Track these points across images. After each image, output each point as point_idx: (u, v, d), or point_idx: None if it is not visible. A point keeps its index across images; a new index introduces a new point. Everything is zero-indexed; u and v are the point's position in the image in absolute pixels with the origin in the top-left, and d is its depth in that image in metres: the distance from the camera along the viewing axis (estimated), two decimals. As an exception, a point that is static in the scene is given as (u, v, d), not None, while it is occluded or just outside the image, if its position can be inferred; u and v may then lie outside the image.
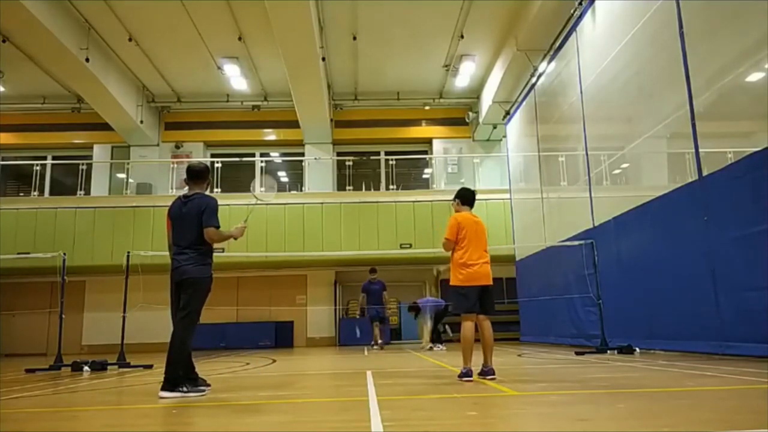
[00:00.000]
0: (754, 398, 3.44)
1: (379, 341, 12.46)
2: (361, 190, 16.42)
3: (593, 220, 9.66)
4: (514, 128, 14.71)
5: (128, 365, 8.13)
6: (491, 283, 5.02)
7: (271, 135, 18.34)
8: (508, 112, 15.27)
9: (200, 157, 17.65)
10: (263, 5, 11.16)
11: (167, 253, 4.88)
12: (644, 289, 7.88)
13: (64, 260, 8.91)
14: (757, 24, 5.62)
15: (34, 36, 12.40)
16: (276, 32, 12.05)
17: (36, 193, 16.15)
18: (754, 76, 6.00)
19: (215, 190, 15.20)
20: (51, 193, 17.29)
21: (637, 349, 7.83)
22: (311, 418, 3.36)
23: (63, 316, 8.51)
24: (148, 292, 9.81)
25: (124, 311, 8.55)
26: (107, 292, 14.40)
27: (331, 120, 17.33)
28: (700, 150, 6.51)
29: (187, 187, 4.93)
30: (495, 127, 16.95)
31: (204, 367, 6.52)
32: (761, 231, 5.47)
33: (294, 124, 17.11)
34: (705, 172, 6.43)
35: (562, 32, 11.15)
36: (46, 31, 12.04)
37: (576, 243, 9.66)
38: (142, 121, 16.76)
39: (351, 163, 16.73)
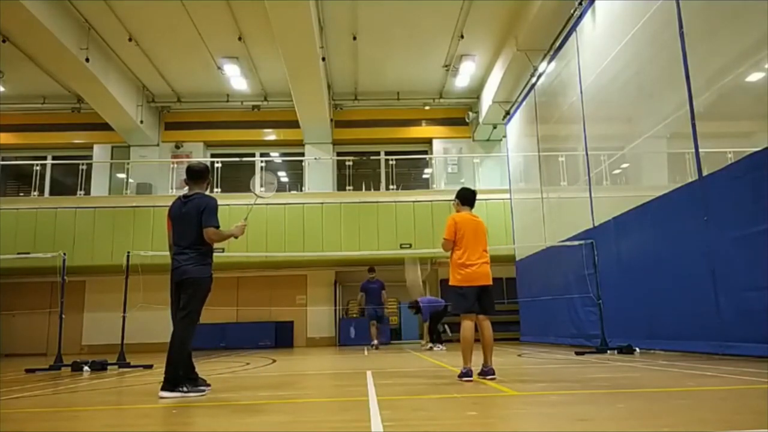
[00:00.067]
0: (754, 398, 3.44)
1: (374, 341, 12.48)
2: (361, 190, 16.42)
3: (593, 220, 9.66)
4: (514, 128, 14.71)
5: (128, 365, 8.13)
6: (491, 283, 5.02)
7: (271, 135, 18.34)
8: (508, 112, 15.27)
9: (200, 157, 17.65)
10: (263, 5, 11.16)
11: (167, 253, 4.88)
12: (644, 289, 7.88)
13: (64, 260, 8.91)
14: (757, 24, 5.62)
15: (34, 36, 12.40)
16: (276, 32, 12.05)
17: (36, 193, 16.15)
18: (754, 76, 6.00)
19: (215, 190, 15.20)
20: (51, 193, 17.28)
21: (637, 349, 7.83)
22: (311, 418, 3.36)
23: (63, 316, 8.51)
24: (148, 292, 9.82)
25: (124, 311, 8.55)
26: (107, 292, 14.41)
27: (331, 120, 17.33)
28: (700, 150, 6.51)
29: (187, 187, 4.94)
30: (495, 127, 16.95)
31: (204, 367, 6.52)
32: (761, 231, 5.47)
33: (294, 124, 17.11)
34: (705, 172, 6.43)
35: (562, 32, 11.15)
36: (46, 31, 12.04)
37: (576, 243, 9.66)
38: (142, 121, 16.76)
39: (351, 163, 16.73)
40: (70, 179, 17.35)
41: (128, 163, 17.70)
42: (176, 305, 4.65)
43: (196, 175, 4.89)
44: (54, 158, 17.98)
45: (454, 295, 5.05)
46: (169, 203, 4.91)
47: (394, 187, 16.65)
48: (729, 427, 2.55)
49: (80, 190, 16.10)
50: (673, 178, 8.13)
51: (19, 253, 12.41)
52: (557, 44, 11.29)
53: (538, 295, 12.30)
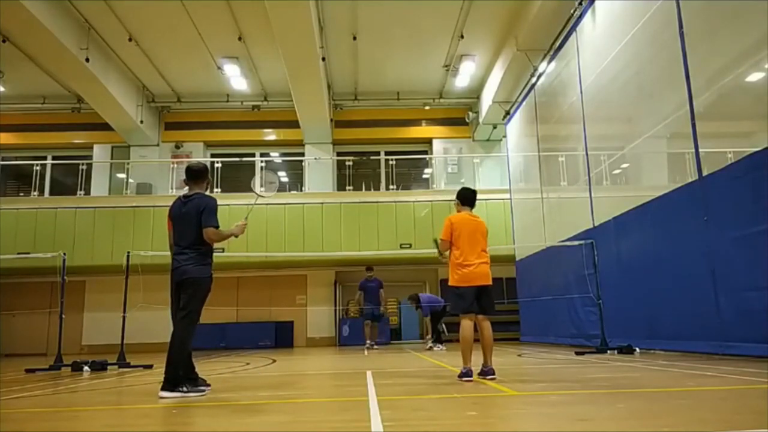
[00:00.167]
0: (754, 398, 3.44)
1: (368, 341, 12.48)
2: (361, 190, 16.42)
3: (593, 220, 9.66)
4: (514, 128, 14.71)
5: (128, 365, 8.13)
6: (490, 283, 5.01)
7: (271, 135, 18.34)
8: (508, 112, 15.27)
9: (200, 157, 17.65)
10: (263, 5, 11.16)
11: (167, 253, 4.89)
12: (644, 289, 7.88)
13: (64, 260, 8.91)
14: (757, 24, 5.62)
15: (34, 36, 12.40)
16: (276, 32, 12.05)
17: (36, 193, 16.16)
18: (754, 76, 6.00)
19: (215, 190, 15.20)
20: (51, 193, 17.29)
21: (637, 349, 7.83)
22: (311, 418, 3.36)
23: (63, 316, 8.51)
24: (148, 292, 9.82)
25: (124, 311, 8.55)
26: (107, 292, 14.41)
27: (331, 120, 17.33)
28: (700, 150, 6.51)
29: (187, 188, 4.94)
30: (495, 127, 16.96)
31: (204, 367, 6.52)
32: (761, 231, 5.47)
33: (294, 124, 17.11)
34: (705, 172, 6.43)
35: (562, 32, 11.15)
36: (46, 31, 12.04)
37: (576, 243, 9.66)
38: (142, 121, 16.76)
39: (351, 163, 16.73)
40: (70, 179, 17.35)
41: (128, 163, 17.71)
42: (176, 305, 4.65)
43: (195, 174, 4.89)
44: (54, 158, 17.98)
45: (452, 296, 5.05)
46: (169, 203, 4.91)
47: (394, 187, 16.65)
48: (729, 427, 2.55)
49: (80, 190, 16.11)
50: (673, 178, 8.13)
51: (19, 253, 12.42)
52: (557, 44, 11.29)
53: (538, 295, 12.30)
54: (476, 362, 4.89)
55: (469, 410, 3.39)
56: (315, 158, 17.47)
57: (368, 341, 12.51)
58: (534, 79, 12.71)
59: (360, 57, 15.27)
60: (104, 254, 14.34)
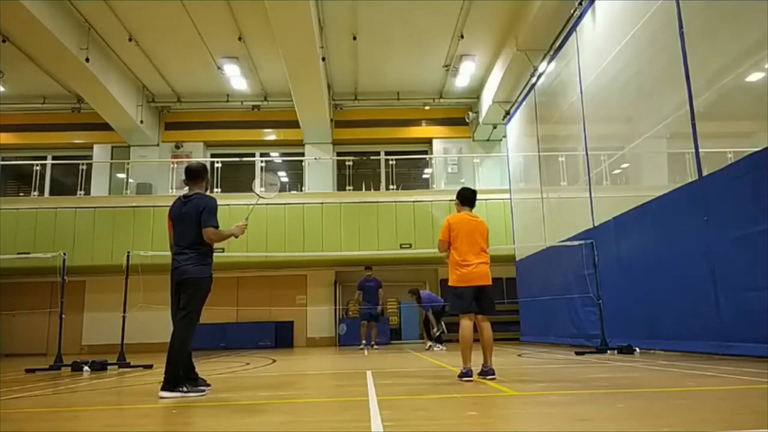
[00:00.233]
0: (754, 398, 3.44)
1: (363, 341, 12.49)
2: (361, 190, 16.42)
3: (593, 220, 9.66)
4: (514, 128, 14.71)
5: (128, 365, 8.13)
6: (489, 283, 5.00)
7: (271, 135, 18.34)
8: (508, 112, 15.27)
9: (200, 157, 17.65)
10: (263, 5, 11.16)
11: (167, 253, 4.89)
12: (644, 289, 7.88)
13: (64, 260, 8.91)
14: (757, 24, 5.62)
15: (34, 36, 12.40)
16: (276, 32, 12.05)
17: (36, 193, 16.15)
18: (754, 76, 6.00)
19: (215, 190, 15.20)
20: (51, 193, 17.28)
21: (637, 349, 7.83)
22: (311, 418, 3.36)
23: (63, 316, 8.51)
24: (148, 292, 9.82)
25: (124, 311, 8.55)
26: (107, 292, 14.40)
27: (331, 120, 17.33)
28: (700, 150, 6.51)
29: (187, 188, 4.94)
30: (495, 127, 16.95)
31: (204, 367, 6.52)
32: (761, 231, 5.47)
33: (294, 124, 17.11)
34: (705, 172, 6.43)
35: (562, 32, 11.15)
36: (46, 31, 12.04)
37: (576, 243, 9.66)
38: (142, 121, 16.76)
39: (351, 163, 16.73)
40: (70, 179, 17.35)
41: (128, 163, 17.70)
42: (176, 305, 4.65)
43: (194, 174, 4.89)
44: (54, 158, 17.98)
45: (451, 296, 5.06)
46: (169, 203, 4.91)
47: (394, 187, 16.65)
48: (729, 427, 2.55)
49: (80, 190, 16.10)
50: (673, 178, 8.13)
51: (19, 253, 12.42)
52: (557, 44, 11.30)
53: (538, 295, 12.30)
54: (476, 362, 4.89)
55: (469, 410, 3.39)
56: (315, 158, 17.47)
57: (364, 341, 12.51)
58: (534, 79, 12.71)
59: (360, 57, 15.27)
60: (104, 254, 14.34)
